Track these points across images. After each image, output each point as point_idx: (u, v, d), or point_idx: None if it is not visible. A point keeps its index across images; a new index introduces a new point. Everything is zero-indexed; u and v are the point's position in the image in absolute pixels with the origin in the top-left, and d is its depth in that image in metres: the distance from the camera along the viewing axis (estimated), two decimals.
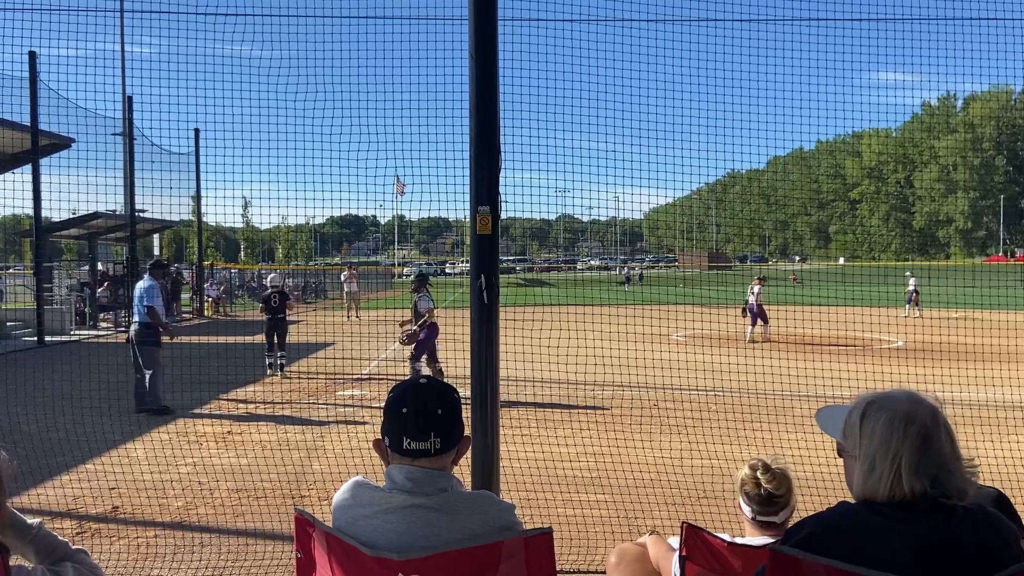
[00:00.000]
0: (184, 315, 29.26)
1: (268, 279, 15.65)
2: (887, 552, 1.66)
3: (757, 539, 2.81)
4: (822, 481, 5.61)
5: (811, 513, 1.84)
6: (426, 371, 11.64)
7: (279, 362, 13.93)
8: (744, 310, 20.48)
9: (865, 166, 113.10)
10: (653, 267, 78.29)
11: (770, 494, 2.80)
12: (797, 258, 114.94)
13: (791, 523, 2.87)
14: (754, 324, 20.15)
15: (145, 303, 10.70)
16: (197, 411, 10.74)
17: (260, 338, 15.33)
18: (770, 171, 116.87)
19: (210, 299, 32.75)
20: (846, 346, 18.17)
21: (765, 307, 20.36)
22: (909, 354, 14.38)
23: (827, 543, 1.69)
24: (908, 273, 31.50)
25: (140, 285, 10.95)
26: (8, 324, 20.79)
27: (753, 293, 20.28)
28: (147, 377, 10.52)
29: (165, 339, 10.96)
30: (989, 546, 1.68)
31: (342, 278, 31.66)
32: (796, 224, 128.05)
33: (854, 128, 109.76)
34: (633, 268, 71.53)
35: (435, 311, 11.97)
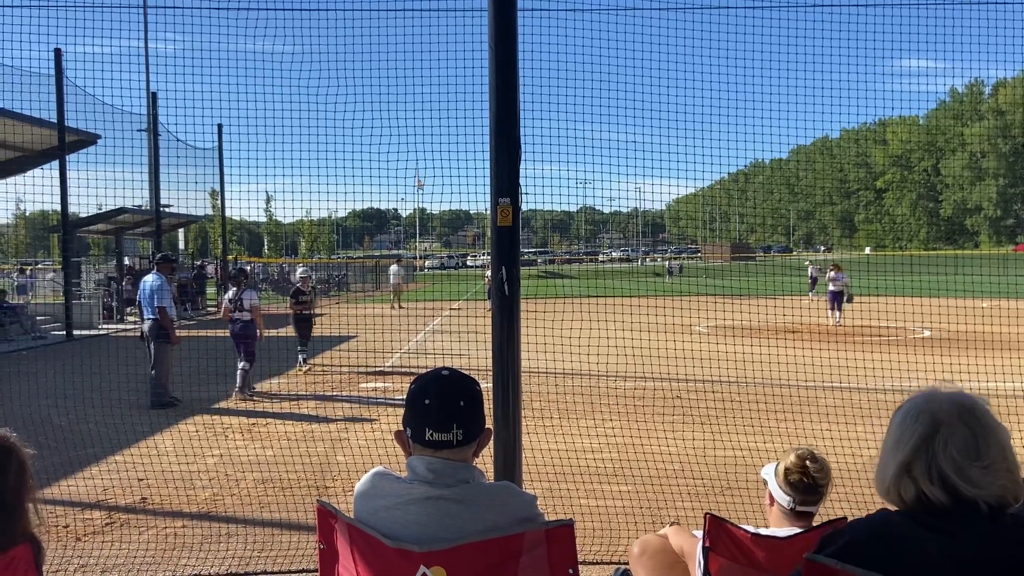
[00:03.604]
0: (210, 308, 29.54)
1: (298, 274, 15.64)
2: (926, 562, 1.61)
3: (783, 530, 2.79)
4: (847, 472, 5.56)
5: (835, 503, 1.81)
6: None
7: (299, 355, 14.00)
8: (829, 300, 22.00)
9: (891, 154, 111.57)
10: (677, 258, 77.78)
11: (816, 482, 2.79)
12: (822, 248, 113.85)
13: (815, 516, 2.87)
14: (832, 308, 21.67)
15: (156, 303, 10.64)
16: (223, 403, 10.86)
17: (283, 332, 15.47)
18: (794, 160, 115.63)
19: None
20: (873, 336, 17.97)
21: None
22: (936, 344, 14.19)
23: (864, 552, 1.65)
24: (807, 262, 35.15)
25: (149, 281, 10.82)
26: (38, 319, 21.12)
27: (834, 281, 21.72)
28: (158, 372, 10.57)
29: (177, 336, 10.91)
30: None
31: (391, 271, 33.07)
32: (821, 214, 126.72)
33: (880, 116, 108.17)
34: (675, 259, 70.88)
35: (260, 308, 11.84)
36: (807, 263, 35.99)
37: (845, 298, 21.67)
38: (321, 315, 14.59)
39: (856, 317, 20.97)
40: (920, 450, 1.67)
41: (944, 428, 1.67)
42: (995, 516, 1.63)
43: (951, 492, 1.63)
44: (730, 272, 56.99)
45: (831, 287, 21.97)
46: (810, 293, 30.74)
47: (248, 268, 38.01)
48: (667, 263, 62.44)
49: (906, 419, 1.73)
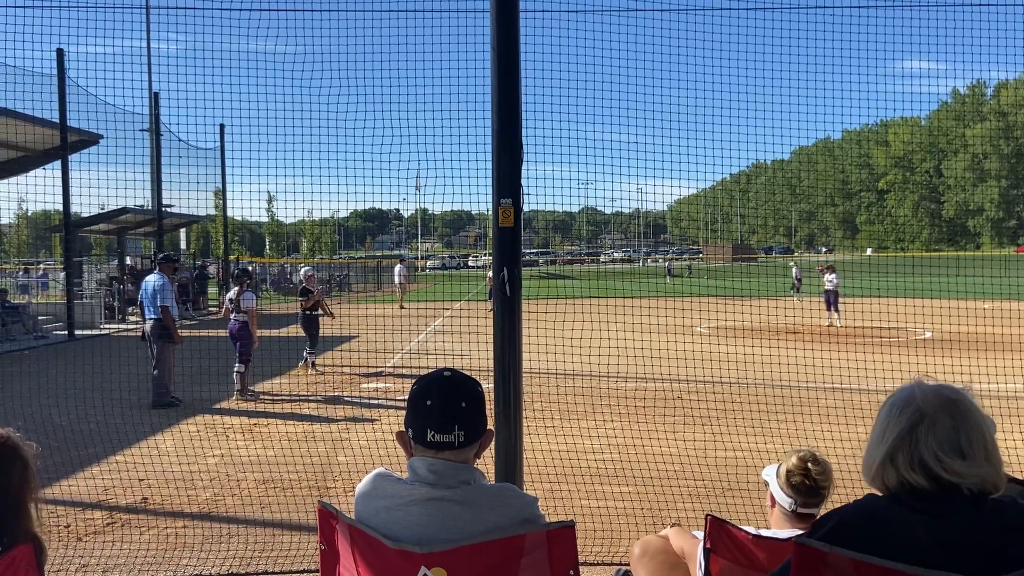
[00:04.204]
0: (211, 308, 29.56)
1: (301, 273, 15.54)
2: (912, 544, 1.64)
3: (784, 532, 2.79)
4: (848, 474, 5.55)
5: (837, 505, 1.83)
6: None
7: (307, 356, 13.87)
8: (827, 301, 22.07)
9: (893, 155, 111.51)
10: (678, 259, 77.73)
11: (817, 484, 2.79)
12: (824, 249, 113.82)
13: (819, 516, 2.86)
14: (830, 308, 21.73)
15: (159, 303, 10.63)
16: (224, 403, 10.87)
17: (286, 331, 15.48)
18: (796, 161, 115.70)
19: None
20: (874, 337, 17.96)
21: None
22: (937, 345, 14.18)
23: (853, 535, 1.68)
24: (792, 264, 36.28)
25: (152, 281, 10.81)
26: (39, 318, 21.15)
27: (831, 282, 21.78)
28: (159, 373, 10.58)
29: (178, 337, 10.90)
30: (1018, 539, 1.65)
31: (396, 270, 33.72)
32: (823, 215, 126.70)
33: (881, 117, 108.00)
34: (676, 260, 71.19)
35: (256, 309, 11.81)
36: (791, 264, 36.68)
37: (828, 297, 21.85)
38: (332, 315, 14.43)
39: (857, 318, 20.96)
40: (904, 440, 1.71)
41: (927, 419, 1.70)
42: (977, 502, 1.66)
43: (932, 479, 1.67)
44: (730, 273, 57.01)
45: (826, 287, 22.04)
46: (795, 295, 31.02)
47: (251, 268, 38.21)
48: (667, 264, 62.53)
49: (892, 409, 1.77)
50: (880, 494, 1.78)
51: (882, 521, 1.69)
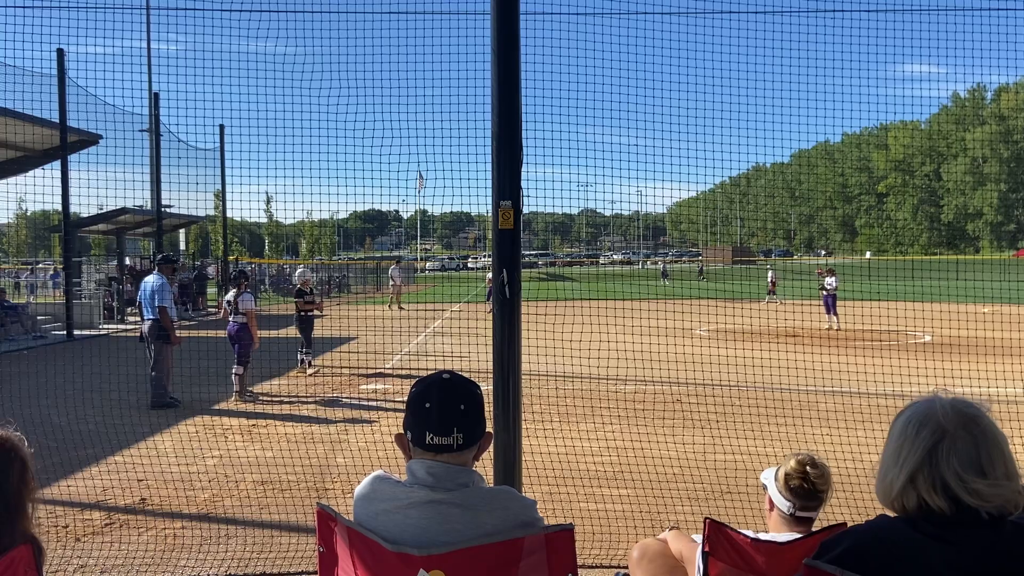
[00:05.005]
0: (210, 309, 29.54)
1: (297, 274, 15.49)
2: (927, 569, 1.60)
3: (782, 535, 2.79)
4: (847, 477, 5.56)
5: (836, 508, 1.81)
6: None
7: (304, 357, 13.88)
8: (826, 305, 22.12)
9: (892, 159, 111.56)
10: (676, 261, 77.75)
11: (816, 488, 2.78)
12: (823, 252, 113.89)
13: (815, 521, 2.86)
14: (829, 312, 21.76)
15: (157, 303, 10.64)
16: (222, 404, 10.86)
17: (284, 332, 15.46)
18: (795, 165, 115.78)
19: None
20: (873, 340, 17.97)
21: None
22: (936, 349, 14.19)
23: (865, 559, 1.64)
24: (768, 267, 37.51)
25: (150, 281, 10.83)
26: (38, 318, 21.13)
27: (830, 285, 21.94)
28: (157, 373, 10.56)
29: (177, 337, 10.88)
30: None
31: (391, 272, 34.09)
32: (822, 218, 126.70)
33: (881, 121, 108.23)
34: (672, 263, 71.64)
35: (254, 311, 11.80)
36: (768, 268, 37.36)
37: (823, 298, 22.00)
38: (323, 315, 14.46)
39: (857, 322, 20.99)
40: (924, 460, 1.66)
41: (947, 438, 1.65)
42: (996, 524, 1.62)
43: (953, 501, 1.63)
44: (731, 276, 57.05)
45: (825, 291, 22.14)
46: (768, 297, 31.39)
47: (249, 269, 38.26)
48: (663, 266, 62.65)
49: (908, 427, 1.71)
50: (892, 515, 1.73)
51: (895, 544, 1.64)
